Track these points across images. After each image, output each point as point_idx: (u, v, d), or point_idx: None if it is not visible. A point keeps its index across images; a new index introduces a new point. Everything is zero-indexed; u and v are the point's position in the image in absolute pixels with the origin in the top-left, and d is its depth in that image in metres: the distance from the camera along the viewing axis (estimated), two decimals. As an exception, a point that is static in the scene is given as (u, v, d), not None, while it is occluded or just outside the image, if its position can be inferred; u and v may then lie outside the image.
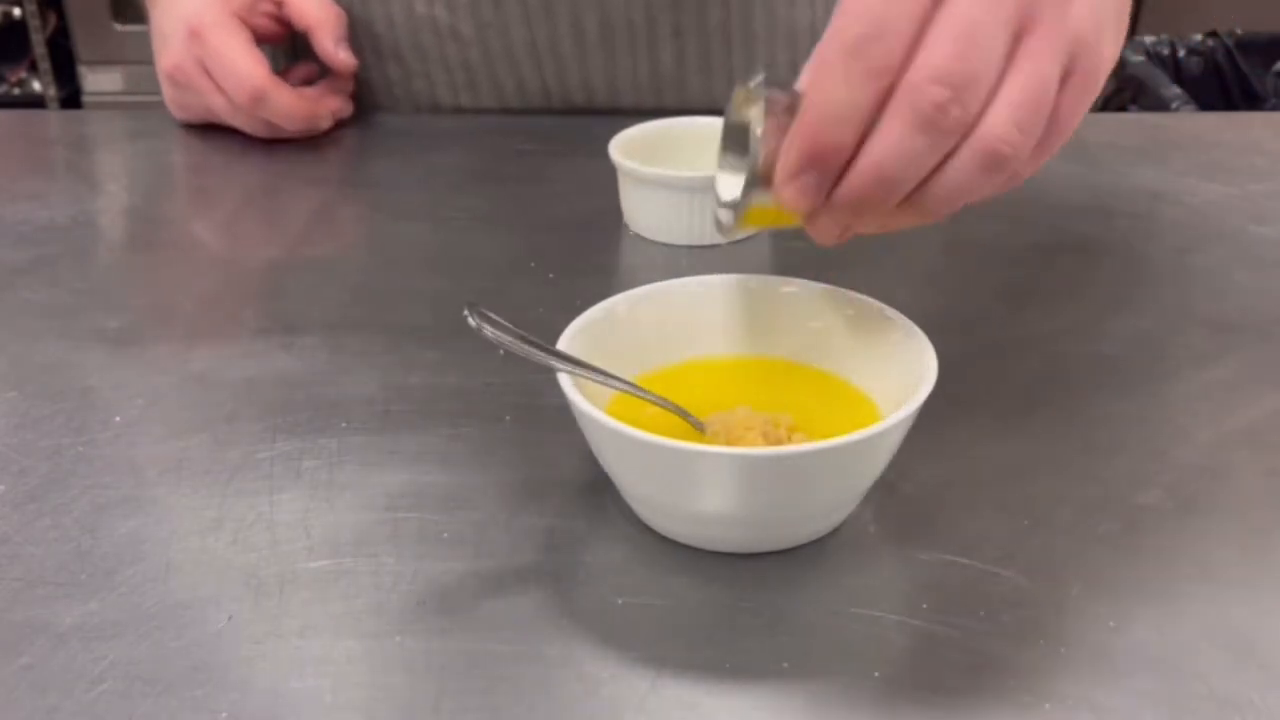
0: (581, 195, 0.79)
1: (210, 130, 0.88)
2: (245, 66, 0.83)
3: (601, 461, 0.50)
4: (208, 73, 0.84)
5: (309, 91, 0.89)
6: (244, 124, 0.86)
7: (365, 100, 0.96)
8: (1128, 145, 0.89)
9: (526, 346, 0.49)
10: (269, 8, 0.88)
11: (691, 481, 0.46)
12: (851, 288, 0.55)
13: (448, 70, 0.91)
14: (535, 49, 0.89)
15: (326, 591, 0.47)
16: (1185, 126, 0.98)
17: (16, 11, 2.55)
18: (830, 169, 0.45)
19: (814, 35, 0.89)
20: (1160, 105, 1.77)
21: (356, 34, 0.92)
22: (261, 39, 0.89)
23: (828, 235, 0.48)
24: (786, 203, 0.47)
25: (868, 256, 0.74)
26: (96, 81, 2.55)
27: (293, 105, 0.85)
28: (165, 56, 0.86)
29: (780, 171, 0.46)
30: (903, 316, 0.52)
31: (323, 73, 0.92)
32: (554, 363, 0.49)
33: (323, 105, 0.88)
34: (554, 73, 0.90)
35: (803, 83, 0.46)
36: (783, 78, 0.47)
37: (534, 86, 0.92)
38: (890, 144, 0.44)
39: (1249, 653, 0.44)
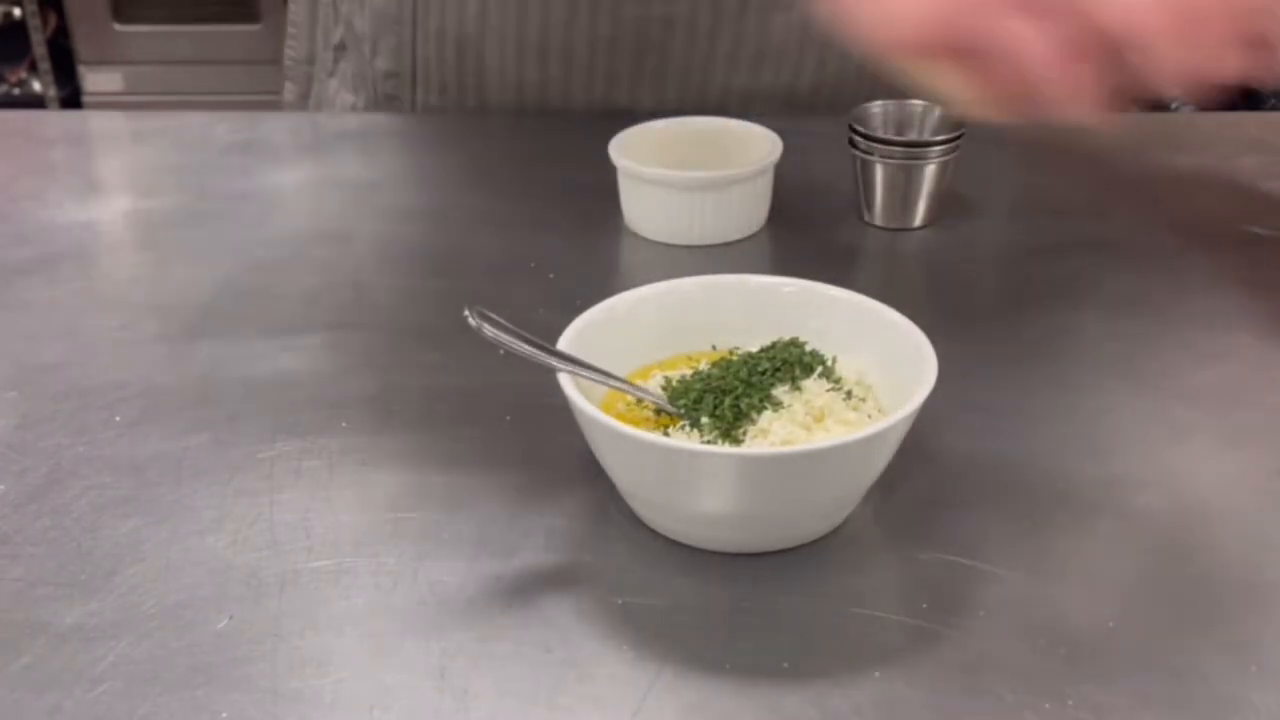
0: (581, 195, 0.79)
1: (209, 130, 0.88)
2: None
3: (601, 461, 0.50)
4: None
5: None
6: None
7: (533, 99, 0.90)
8: (1128, 145, 0.89)
9: (526, 346, 0.49)
10: None
11: (691, 481, 0.46)
12: (852, 288, 0.55)
13: (639, 71, 0.87)
14: (736, 53, 0.86)
15: (326, 591, 0.47)
16: (1185, 126, 0.98)
17: (16, 11, 2.54)
18: None
19: None
20: (1160, 105, 1.77)
21: (561, 33, 0.86)
22: None
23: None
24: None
25: (868, 257, 0.74)
26: (96, 81, 2.54)
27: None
28: None
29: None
30: (903, 317, 0.52)
31: None
32: (554, 363, 0.49)
33: None
34: (744, 80, 0.88)
35: None
36: None
37: (714, 89, 0.88)
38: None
39: (1249, 653, 0.44)
